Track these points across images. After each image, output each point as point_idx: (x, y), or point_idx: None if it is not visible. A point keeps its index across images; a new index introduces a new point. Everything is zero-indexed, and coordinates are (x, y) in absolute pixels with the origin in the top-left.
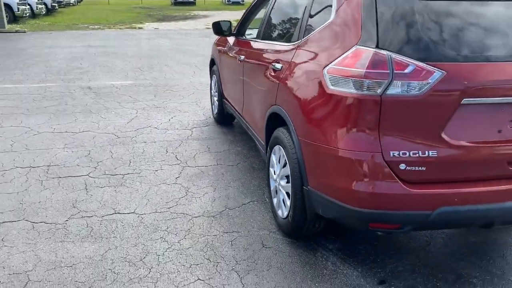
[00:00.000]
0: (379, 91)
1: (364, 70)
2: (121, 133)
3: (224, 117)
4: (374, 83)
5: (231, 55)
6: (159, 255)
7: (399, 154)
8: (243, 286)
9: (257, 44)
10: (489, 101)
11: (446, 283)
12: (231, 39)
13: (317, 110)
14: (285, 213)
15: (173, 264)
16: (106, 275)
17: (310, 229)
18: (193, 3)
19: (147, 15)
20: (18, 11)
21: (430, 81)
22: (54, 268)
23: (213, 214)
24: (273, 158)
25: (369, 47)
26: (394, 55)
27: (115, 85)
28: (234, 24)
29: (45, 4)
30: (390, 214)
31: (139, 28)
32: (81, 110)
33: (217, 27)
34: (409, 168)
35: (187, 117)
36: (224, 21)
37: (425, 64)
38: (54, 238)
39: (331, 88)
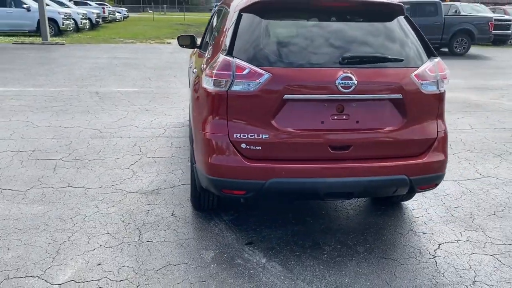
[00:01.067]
0: (226, 88)
1: (216, 71)
2: (105, 129)
3: None
4: (222, 81)
5: (189, 64)
6: (86, 216)
7: (240, 136)
8: (139, 238)
9: (197, 54)
10: (307, 97)
11: (302, 247)
12: (195, 51)
13: (196, 104)
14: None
15: (93, 222)
16: (39, 226)
17: (207, 202)
18: None
19: (184, 31)
20: (63, 25)
21: (260, 81)
22: (4, 219)
23: (145, 191)
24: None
25: (223, 54)
26: (237, 61)
27: (120, 91)
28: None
29: (89, 19)
30: (235, 182)
31: (168, 43)
32: (81, 110)
33: (181, 41)
34: (248, 147)
35: (168, 119)
36: (187, 35)
37: (258, 68)
38: (13, 200)
39: (203, 86)
